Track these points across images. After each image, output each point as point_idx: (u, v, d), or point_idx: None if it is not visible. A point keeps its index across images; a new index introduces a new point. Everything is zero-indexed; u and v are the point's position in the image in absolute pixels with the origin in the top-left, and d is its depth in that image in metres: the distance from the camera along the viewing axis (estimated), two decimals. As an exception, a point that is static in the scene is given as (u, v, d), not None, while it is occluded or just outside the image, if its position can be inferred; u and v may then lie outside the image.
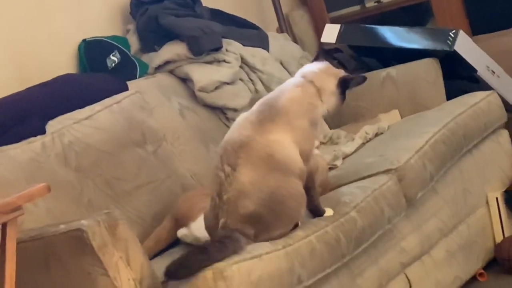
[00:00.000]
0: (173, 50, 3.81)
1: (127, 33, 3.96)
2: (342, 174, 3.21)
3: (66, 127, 3.09)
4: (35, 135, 3.01)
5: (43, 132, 3.05)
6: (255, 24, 4.26)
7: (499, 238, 3.51)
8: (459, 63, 3.84)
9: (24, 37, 3.52)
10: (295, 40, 4.59)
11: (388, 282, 2.96)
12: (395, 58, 4.00)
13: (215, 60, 3.85)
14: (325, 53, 4.07)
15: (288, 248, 2.53)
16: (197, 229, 2.83)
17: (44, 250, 2.44)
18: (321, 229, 2.65)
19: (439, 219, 3.25)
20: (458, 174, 3.41)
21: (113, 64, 3.71)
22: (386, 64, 4.04)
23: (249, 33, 4.14)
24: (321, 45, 4.46)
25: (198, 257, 2.40)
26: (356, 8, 4.75)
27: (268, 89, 3.94)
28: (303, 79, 2.76)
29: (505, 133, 3.74)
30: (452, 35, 3.78)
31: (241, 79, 3.90)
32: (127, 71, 3.73)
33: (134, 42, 3.90)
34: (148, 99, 3.46)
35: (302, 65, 4.20)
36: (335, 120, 3.89)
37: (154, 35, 3.88)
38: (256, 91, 3.92)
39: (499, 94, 3.75)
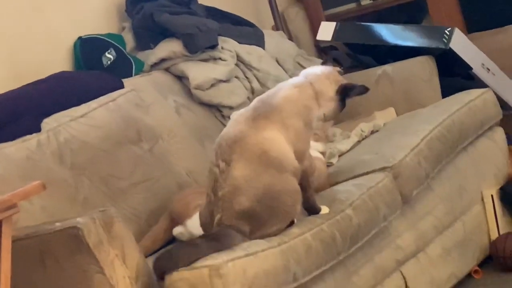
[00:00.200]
0: (168, 47, 3.81)
1: (122, 30, 3.96)
2: (338, 171, 3.21)
3: (61, 125, 3.09)
4: (30, 133, 3.01)
5: (38, 130, 3.04)
6: (250, 22, 4.26)
7: (494, 235, 3.51)
8: (455, 61, 3.84)
9: (19, 35, 3.51)
10: (290, 37, 4.59)
11: (383, 280, 2.96)
12: (390, 56, 4.00)
13: (211, 58, 3.85)
14: (333, 60, 4.07)
15: (284, 245, 2.53)
16: (193, 226, 2.83)
17: (40, 248, 2.44)
18: (317, 227, 2.65)
19: (434, 216, 3.25)
20: (454, 171, 3.42)
21: (109, 62, 3.70)
22: (381, 61, 4.04)
23: (245, 30, 4.14)
24: (316, 42, 4.47)
25: (187, 250, 2.40)
26: (352, 5, 4.75)
27: (264, 87, 3.94)
28: (304, 80, 2.76)
29: (500, 130, 3.75)
30: (448, 33, 3.78)
31: (236, 77, 3.90)
32: (123, 68, 3.73)
33: (129, 40, 3.90)
34: (144, 97, 3.46)
35: (297, 63, 4.26)
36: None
37: (150, 33, 3.87)
38: (252, 89, 3.92)
39: (494, 92, 3.75)
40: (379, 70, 3.98)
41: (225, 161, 2.55)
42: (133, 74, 3.74)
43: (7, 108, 3.05)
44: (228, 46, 3.93)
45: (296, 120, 2.65)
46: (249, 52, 4.00)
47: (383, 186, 2.97)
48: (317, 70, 2.81)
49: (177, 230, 2.93)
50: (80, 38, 3.69)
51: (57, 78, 3.35)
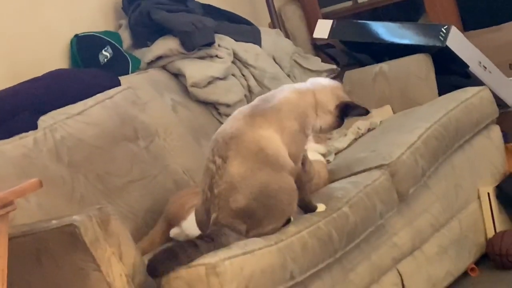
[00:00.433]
0: (165, 45, 3.81)
1: (119, 28, 3.95)
2: (335, 169, 3.21)
3: (58, 122, 3.08)
4: (26, 131, 3.01)
5: (35, 127, 3.04)
6: (247, 20, 4.26)
7: (490, 233, 3.51)
8: (451, 59, 3.84)
9: (15, 32, 3.51)
10: (287, 35, 4.59)
11: (380, 277, 2.96)
12: (387, 54, 4.00)
13: (207, 56, 3.85)
14: (329, 58, 4.08)
15: (281, 243, 2.53)
16: (188, 228, 2.83)
17: (36, 246, 2.43)
18: (313, 225, 2.65)
19: (431, 214, 3.26)
20: (450, 169, 3.42)
21: (106, 60, 3.70)
22: (378, 59, 4.04)
23: (242, 28, 4.14)
24: (313, 40, 4.47)
25: (186, 251, 2.40)
26: (349, 3, 4.75)
27: (261, 84, 3.94)
28: (307, 87, 2.76)
29: (496, 128, 3.75)
30: (444, 31, 3.78)
31: (233, 75, 3.90)
32: (120, 66, 3.72)
33: (126, 37, 3.89)
34: (141, 94, 3.45)
35: (294, 60, 4.25)
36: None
37: (147, 30, 3.87)
38: (249, 86, 3.92)
39: (490, 90, 3.75)
40: (375, 68, 3.98)
41: (222, 157, 2.55)
42: (130, 72, 3.74)
43: (3, 106, 3.05)
44: (225, 43, 3.93)
45: (293, 123, 2.64)
46: (245, 49, 4.00)
47: (379, 184, 2.97)
48: (324, 81, 2.83)
49: (174, 232, 2.93)
50: (76, 35, 3.69)
51: (54, 76, 3.35)
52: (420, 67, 3.86)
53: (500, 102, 3.84)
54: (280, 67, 4.13)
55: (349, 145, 3.57)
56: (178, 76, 3.80)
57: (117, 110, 3.24)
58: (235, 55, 3.94)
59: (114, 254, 2.38)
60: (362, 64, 4.15)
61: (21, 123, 3.03)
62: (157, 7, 3.87)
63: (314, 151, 3.17)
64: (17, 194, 2.24)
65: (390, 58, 3.97)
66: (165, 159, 3.31)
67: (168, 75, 3.79)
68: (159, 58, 3.81)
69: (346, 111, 2.76)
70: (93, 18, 3.86)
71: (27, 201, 2.77)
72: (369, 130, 3.70)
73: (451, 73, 3.95)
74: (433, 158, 3.27)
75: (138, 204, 3.12)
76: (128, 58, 3.79)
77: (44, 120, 3.09)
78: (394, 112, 3.88)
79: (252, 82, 3.94)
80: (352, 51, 4.22)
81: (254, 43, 4.10)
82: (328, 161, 3.40)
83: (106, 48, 3.72)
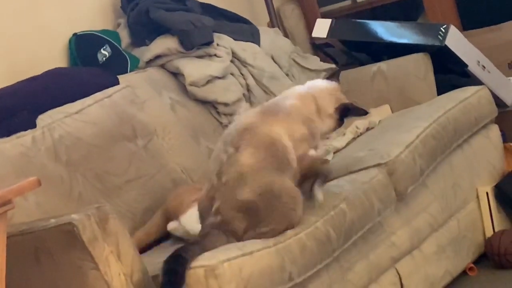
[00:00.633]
0: (164, 44, 3.80)
1: (118, 27, 3.95)
2: (333, 168, 3.21)
3: (56, 121, 3.08)
4: (25, 129, 3.01)
5: (33, 126, 3.04)
6: (246, 19, 4.26)
7: (489, 232, 3.51)
8: (450, 58, 3.84)
9: (14, 31, 3.51)
10: (286, 34, 4.59)
11: (378, 277, 2.96)
12: (386, 53, 4.00)
13: (206, 55, 3.84)
14: (335, 75, 4.11)
15: (279, 245, 2.52)
16: (187, 222, 2.83)
17: (34, 244, 2.43)
18: (311, 226, 2.64)
19: (429, 213, 3.26)
20: (449, 168, 3.42)
21: (104, 58, 3.70)
22: (377, 59, 4.04)
23: (240, 27, 4.14)
24: (312, 39, 4.47)
25: (195, 250, 2.41)
26: (347, 3, 4.75)
27: (259, 84, 3.94)
28: (307, 91, 2.80)
29: (495, 128, 3.75)
30: (443, 30, 3.78)
31: (232, 74, 3.90)
32: (118, 65, 3.72)
33: (125, 36, 3.89)
34: (139, 93, 3.45)
35: (293, 59, 4.25)
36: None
37: (145, 29, 3.87)
38: (247, 85, 3.92)
39: (489, 89, 3.75)
40: (374, 67, 3.97)
41: (234, 146, 2.57)
42: (128, 71, 3.74)
43: (2, 105, 3.05)
44: (224, 42, 3.93)
45: (302, 126, 2.69)
46: (244, 48, 4.00)
47: (377, 181, 2.97)
48: (322, 84, 2.87)
49: (171, 225, 2.93)
50: (75, 34, 3.69)
51: (52, 75, 3.35)
52: (419, 67, 3.86)
53: (499, 102, 3.84)
54: (279, 66, 4.13)
55: (347, 144, 3.57)
56: (176, 75, 3.80)
57: (115, 109, 3.24)
58: (234, 54, 3.94)
59: (112, 253, 2.38)
60: (361, 63, 4.15)
61: (19, 122, 3.03)
62: (155, 6, 3.86)
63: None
64: (15, 193, 2.23)
65: (389, 57, 3.97)
66: (164, 158, 3.31)
67: (167, 74, 3.79)
68: (158, 57, 3.81)
69: (345, 112, 2.82)
70: (92, 17, 3.86)
71: (26, 199, 2.77)
72: (367, 129, 3.69)
73: (450, 73, 3.95)
74: (431, 157, 3.26)
75: (136, 203, 3.12)
76: (127, 57, 3.79)
77: (43, 119, 3.09)
78: (392, 111, 3.87)
79: (251, 81, 3.94)
80: (351, 50, 4.22)
81: (253, 42, 4.10)
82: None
83: (104, 47, 3.72)
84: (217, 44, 3.89)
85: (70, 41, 3.68)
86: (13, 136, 2.96)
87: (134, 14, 3.87)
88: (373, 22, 4.02)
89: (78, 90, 3.27)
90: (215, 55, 3.85)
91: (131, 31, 3.90)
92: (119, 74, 3.54)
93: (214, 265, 2.36)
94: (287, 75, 4.13)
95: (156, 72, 3.76)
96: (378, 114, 3.83)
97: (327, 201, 2.76)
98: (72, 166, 3.01)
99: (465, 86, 3.74)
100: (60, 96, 3.21)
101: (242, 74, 3.94)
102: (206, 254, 2.41)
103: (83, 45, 3.68)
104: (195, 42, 3.80)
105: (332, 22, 4.12)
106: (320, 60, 4.34)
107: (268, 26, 4.59)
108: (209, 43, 3.85)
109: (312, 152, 2.73)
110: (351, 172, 3.07)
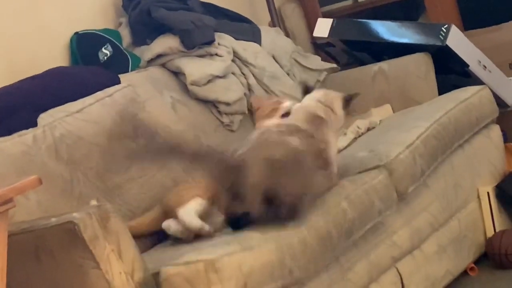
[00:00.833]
0: (165, 43, 3.80)
1: (119, 26, 3.95)
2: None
3: (57, 120, 3.08)
4: (26, 128, 3.01)
5: (34, 125, 3.04)
6: (247, 18, 4.26)
7: (490, 232, 3.51)
8: (451, 58, 3.84)
9: (15, 30, 3.51)
10: (287, 34, 4.59)
11: (379, 276, 2.96)
12: (387, 53, 4.00)
13: (207, 54, 3.84)
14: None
15: (280, 240, 2.53)
16: (184, 214, 2.83)
17: (35, 243, 2.43)
18: (313, 222, 2.65)
19: (430, 213, 3.26)
20: (449, 168, 3.42)
21: (105, 57, 3.70)
22: (378, 58, 4.04)
23: (241, 26, 4.14)
24: (313, 39, 4.46)
25: None
26: (349, 2, 4.76)
27: (260, 83, 3.94)
28: (323, 106, 2.96)
29: (496, 128, 3.75)
30: (444, 30, 3.78)
31: (233, 73, 3.90)
32: (119, 64, 3.72)
33: (126, 35, 3.89)
34: (140, 92, 3.45)
35: (294, 59, 4.25)
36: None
37: (146, 28, 3.87)
38: (248, 85, 3.92)
39: (490, 89, 3.75)
40: (375, 66, 3.98)
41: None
42: (130, 70, 3.74)
43: (3, 103, 3.05)
44: (225, 42, 3.93)
45: (336, 136, 3.00)
46: (245, 48, 4.00)
47: (378, 182, 2.97)
48: (319, 94, 3.02)
49: (166, 223, 2.91)
50: (76, 33, 3.69)
51: (54, 74, 3.35)
52: (420, 66, 3.86)
53: (500, 102, 3.85)
54: (280, 65, 4.13)
55: (348, 145, 3.57)
56: (177, 74, 3.80)
57: (116, 108, 3.24)
58: (235, 54, 3.94)
59: (114, 251, 2.38)
60: (362, 63, 4.15)
61: (20, 120, 3.03)
62: (157, 5, 3.86)
63: None
64: (16, 192, 2.23)
65: (390, 57, 3.98)
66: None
67: (168, 73, 3.79)
68: (159, 56, 3.80)
69: (348, 105, 3.01)
70: (93, 16, 3.86)
71: (27, 198, 2.77)
72: (368, 129, 3.69)
73: (451, 72, 3.95)
74: (432, 157, 3.26)
75: (137, 202, 3.12)
76: (128, 56, 3.79)
77: (44, 118, 3.08)
78: (393, 111, 3.87)
79: (252, 81, 3.93)
80: (352, 50, 4.22)
81: (254, 42, 4.10)
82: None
83: (106, 46, 3.72)
84: (218, 44, 3.89)
85: (71, 40, 3.68)
86: (14, 135, 2.96)
87: (135, 13, 3.87)
88: (374, 21, 4.03)
89: (79, 89, 3.27)
90: (216, 54, 3.85)
91: (132, 30, 3.90)
92: (120, 73, 3.54)
93: (214, 259, 2.36)
94: (288, 74, 4.13)
95: (157, 71, 3.76)
96: (379, 114, 3.83)
97: (328, 200, 2.77)
98: (73, 164, 3.01)
99: (466, 86, 3.74)
100: (61, 95, 3.21)
101: (243, 74, 3.94)
102: (206, 249, 2.42)
103: (84, 44, 3.68)
104: (196, 41, 3.80)
105: (333, 21, 4.12)
106: (321, 60, 4.34)
107: (269, 25, 4.59)
108: (210, 42, 3.84)
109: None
110: (352, 173, 3.07)
